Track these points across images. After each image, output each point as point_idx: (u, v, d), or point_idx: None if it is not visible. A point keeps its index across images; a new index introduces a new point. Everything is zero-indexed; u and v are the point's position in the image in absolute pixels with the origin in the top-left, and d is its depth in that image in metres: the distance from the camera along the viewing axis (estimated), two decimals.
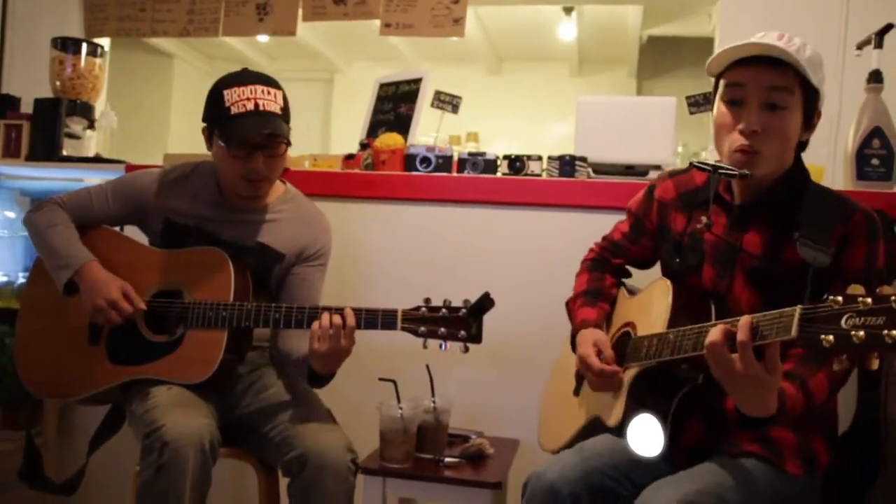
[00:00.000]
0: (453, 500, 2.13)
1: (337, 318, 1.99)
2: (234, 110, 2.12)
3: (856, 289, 1.31)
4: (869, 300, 1.28)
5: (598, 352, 1.86)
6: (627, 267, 2.16)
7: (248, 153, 2.14)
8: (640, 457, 1.69)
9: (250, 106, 2.12)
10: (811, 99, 1.72)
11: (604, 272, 2.12)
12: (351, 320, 2.00)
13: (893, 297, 1.25)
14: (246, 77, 2.19)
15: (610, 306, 2.06)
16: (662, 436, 1.69)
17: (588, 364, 1.84)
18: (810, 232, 1.66)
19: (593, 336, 1.90)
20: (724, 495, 1.59)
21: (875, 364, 1.28)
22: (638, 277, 2.14)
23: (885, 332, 1.24)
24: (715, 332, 1.50)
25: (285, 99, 2.21)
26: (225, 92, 2.14)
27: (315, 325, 2.01)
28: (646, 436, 1.69)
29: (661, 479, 1.65)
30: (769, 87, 1.69)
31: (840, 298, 1.31)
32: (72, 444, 2.83)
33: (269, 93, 2.16)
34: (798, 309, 1.38)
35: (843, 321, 1.30)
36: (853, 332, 1.28)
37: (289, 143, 2.19)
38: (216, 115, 2.15)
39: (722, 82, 1.77)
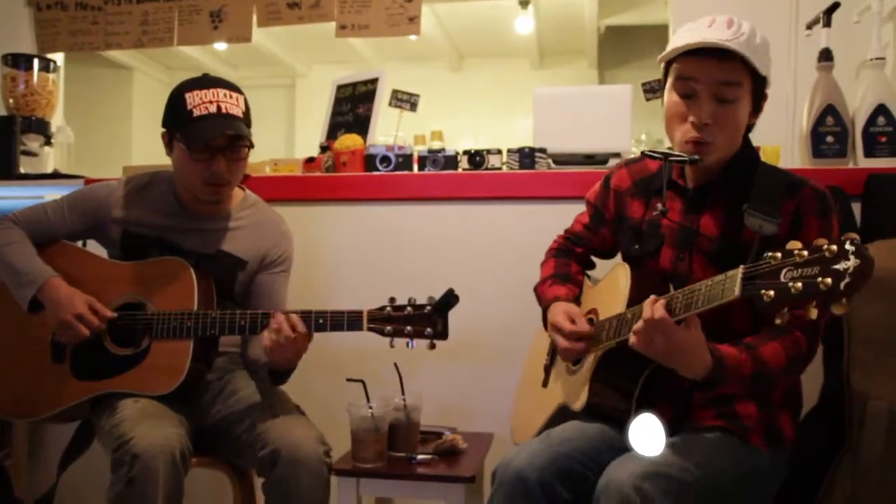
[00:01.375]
0: (428, 496, 2.13)
1: (286, 325, 1.99)
2: (196, 113, 2.11)
3: (794, 244, 1.35)
4: (805, 252, 1.32)
5: (571, 320, 1.88)
6: (592, 258, 2.18)
7: (211, 156, 2.13)
8: (642, 456, 1.70)
9: (213, 108, 2.11)
10: (759, 86, 1.75)
11: (569, 259, 2.14)
12: (300, 327, 1.99)
13: (825, 246, 1.29)
14: (207, 81, 2.18)
15: (578, 292, 2.07)
16: (663, 435, 1.70)
17: (559, 328, 1.87)
18: (757, 204, 1.69)
19: (563, 307, 1.93)
20: (688, 466, 1.61)
21: (813, 313, 1.32)
22: (601, 267, 2.16)
23: (820, 279, 1.28)
24: (637, 325, 1.60)
25: (247, 103, 2.21)
26: (187, 95, 2.13)
27: (265, 335, 2.01)
28: (647, 435, 1.70)
29: (625, 454, 1.66)
30: (719, 81, 1.71)
31: (779, 254, 1.36)
32: (43, 463, 2.79)
33: (230, 96, 2.16)
34: (741, 269, 1.43)
35: (782, 275, 1.34)
36: (791, 284, 1.32)
37: (251, 146, 2.18)
38: (178, 118, 2.14)
39: (672, 71, 1.78)
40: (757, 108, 1.79)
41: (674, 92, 1.78)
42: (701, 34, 1.71)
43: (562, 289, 2.03)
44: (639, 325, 1.59)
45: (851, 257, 1.27)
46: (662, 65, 1.83)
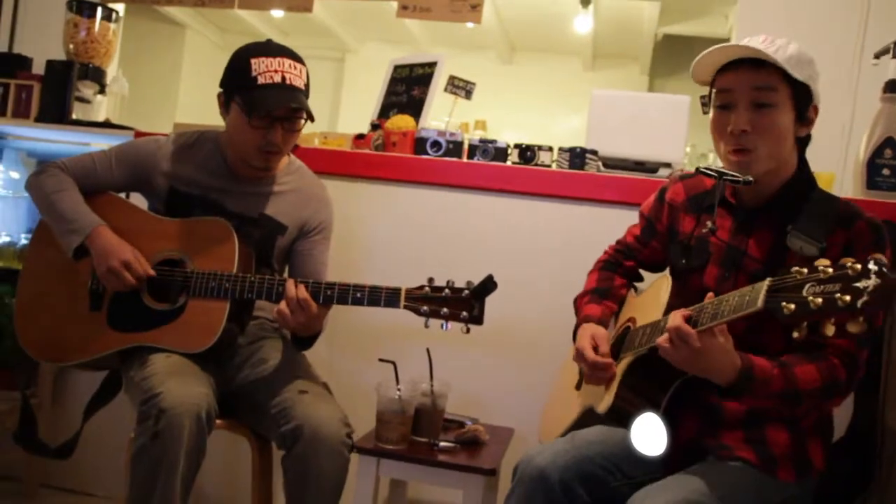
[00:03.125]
0: (447, 484, 2.14)
1: (300, 291, 2.00)
2: (260, 80, 2.11)
3: (822, 262, 1.35)
4: (830, 269, 1.32)
5: (595, 346, 1.87)
6: (640, 271, 2.17)
7: (269, 125, 2.13)
8: (643, 455, 1.69)
9: (277, 78, 2.12)
10: (801, 94, 1.75)
11: (614, 273, 2.13)
12: (302, 293, 2.00)
13: (850, 264, 1.29)
14: (273, 49, 2.18)
15: (618, 306, 2.07)
16: (666, 435, 1.69)
17: (583, 356, 1.87)
18: (803, 226, 1.69)
19: (591, 330, 1.92)
20: (713, 503, 1.58)
21: (830, 331, 1.32)
22: (649, 279, 2.14)
23: (839, 296, 1.29)
24: (661, 339, 1.61)
25: (308, 75, 2.21)
26: (252, 61, 2.13)
27: (277, 309, 2.03)
28: (649, 435, 1.69)
29: (649, 486, 1.64)
30: (753, 86, 1.73)
31: (805, 270, 1.37)
32: (66, 409, 2.83)
33: (295, 67, 2.17)
34: (767, 281, 1.43)
35: (804, 290, 1.35)
36: (811, 299, 1.32)
37: (311, 119, 2.19)
38: (240, 83, 2.14)
39: (713, 91, 1.81)
40: (802, 118, 1.77)
41: (714, 109, 1.81)
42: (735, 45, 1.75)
43: (597, 308, 2.02)
44: (663, 336, 1.60)
45: (873, 276, 1.27)
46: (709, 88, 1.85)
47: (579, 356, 1.89)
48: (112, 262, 2.10)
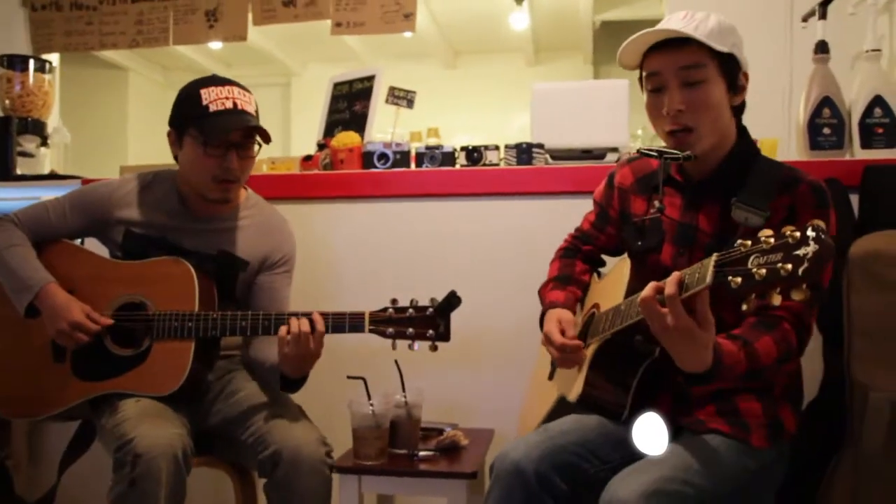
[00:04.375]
0: (429, 493, 2.14)
1: (305, 324, 2.00)
2: (212, 108, 2.12)
3: (765, 232, 1.35)
4: (772, 240, 1.33)
5: (562, 330, 1.88)
6: (602, 255, 2.19)
7: (225, 151, 2.13)
8: (646, 455, 1.70)
9: (229, 104, 2.13)
10: (728, 65, 1.76)
11: (574, 259, 2.15)
12: (320, 325, 2.01)
13: (789, 232, 1.30)
14: (220, 79, 2.20)
15: (582, 292, 2.09)
16: (667, 434, 1.70)
17: (550, 340, 1.87)
18: (746, 196, 1.70)
19: (557, 315, 1.93)
20: (690, 479, 1.60)
21: (777, 300, 1.32)
22: (612, 264, 2.16)
23: (780, 265, 1.29)
24: (647, 289, 1.54)
25: (257, 104, 2.23)
26: (202, 91, 2.14)
27: (283, 329, 2.02)
28: (651, 435, 1.70)
29: (627, 468, 1.65)
30: (681, 67, 1.74)
31: (749, 242, 1.37)
32: (43, 463, 2.79)
33: (244, 94, 2.18)
34: (714, 256, 1.43)
35: (749, 262, 1.35)
36: (755, 271, 1.33)
37: (268, 141, 2.20)
38: (192, 114, 2.14)
39: (643, 74, 1.83)
40: (734, 87, 1.79)
41: (646, 92, 1.82)
42: (655, 28, 1.76)
43: (561, 293, 2.03)
44: (648, 291, 1.54)
45: (812, 243, 1.28)
46: (638, 73, 1.86)
47: (547, 341, 1.90)
48: (60, 325, 2.09)
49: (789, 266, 1.28)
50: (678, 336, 1.51)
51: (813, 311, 1.72)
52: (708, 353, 1.55)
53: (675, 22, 1.74)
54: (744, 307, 1.36)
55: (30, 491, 2.55)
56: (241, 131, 2.15)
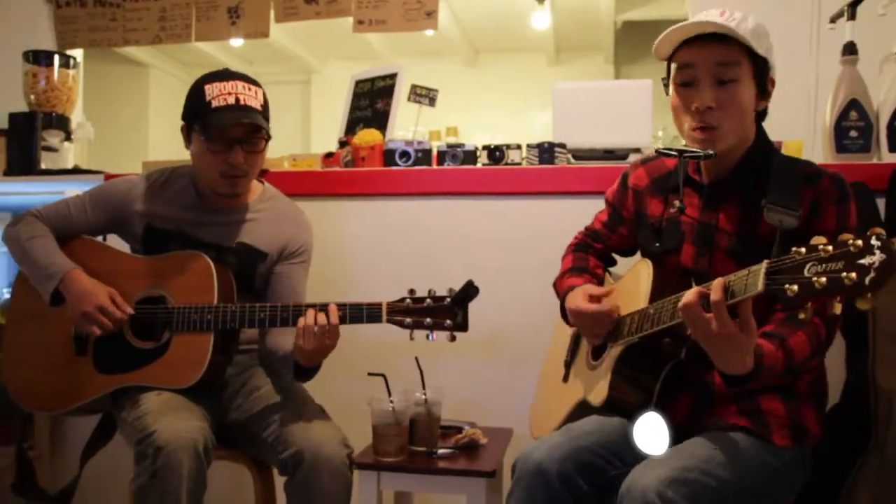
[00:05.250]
0: (448, 490, 2.14)
1: (322, 317, 2.00)
2: (214, 104, 2.12)
3: (818, 239, 1.33)
4: (830, 247, 1.30)
5: (590, 299, 1.87)
6: (613, 255, 2.18)
7: (228, 147, 2.14)
8: (647, 455, 1.69)
9: (231, 100, 2.13)
10: (760, 68, 1.75)
11: (587, 254, 2.14)
12: (334, 318, 2.01)
13: (850, 241, 1.28)
14: (227, 74, 2.20)
15: (598, 283, 2.07)
16: (668, 434, 1.69)
17: (581, 311, 1.86)
18: (776, 197, 1.69)
19: (581, 290, 1.93)
20: (711, 470, 1.59)
21: (837, 308, 1.30)
22: (623, 265, 2.15)
23: (844, 274, 1.27)
24: (689, 294, 1.52)
25: (265, 97, 2.22)
26: (206, 87, 2.15)
27: (301, 321, 2.02)
28: (652, 434, 1.70)
29: (648, 459, 1.65)
30: (717, 62, 1.73)
31: (803, 249, 1.34)
32: (65, 455, 2.81)
33: (249, 89, 2.17)
34: (764, 264, 1.41)
35: (805, 270, 1.33)
36: (815, 279, 1.30)
37: (269, 138, 2.19)
38: (196, 110, 2.15)
39: (673, 66, 1.81)
40: (763, 92, 1.78)
41: (675, 86, 1.80)
42: (696, 20, 1.74)
43: (579, 279, 2.02)
44: (691, 296, 1.52)
45: (877, 252, 1.25)
46: (665, 64, 1.84)
47: (578, 315, 1.89)
48: (86, 307, 2.10)
49: (854, 275, 1.26)
50: (722, 341, 1.51)
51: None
52: (750, 358, 1.54)
53: (713, 17, 1.72)
54: (801, 316, 1.34)
55: (52, 482, 2.56)
56: (245, 127, 2.15)
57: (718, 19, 1.71)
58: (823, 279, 1.29)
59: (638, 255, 2.06)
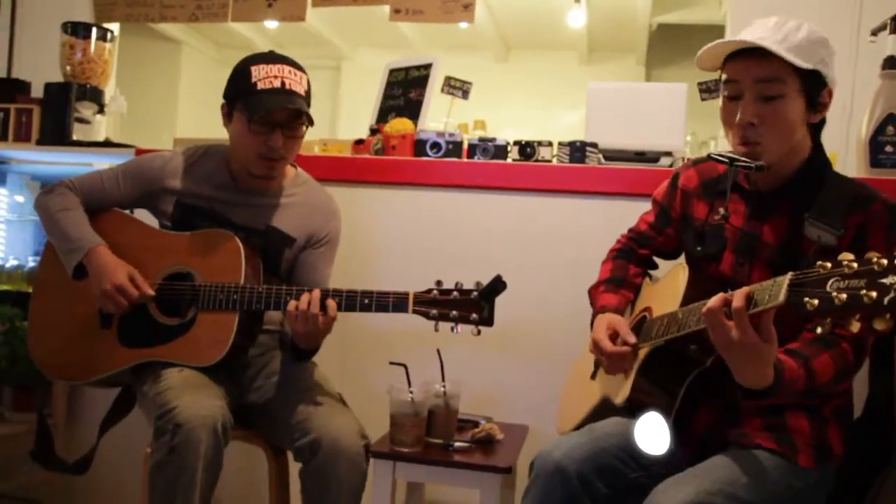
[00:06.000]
0: (463, 484, 2.14)
1: (304, 302, 2.01)
2: (260, 86, 2.13)
3: (846, 255, 1.32)
4: (855, 264, 1.29)
5: (613, 335, 1.86)
6: (655, 258, 2.16)
7: (269, 130, 2.14)
8: (647, 454, 1.69)
9: (277, 83, 2.13)
10: (811, 81, 1.71)
11: (629, 262, 2.12)
12: (315, 307, 2.01)
13: (875, 259, 1.26)
14: (274, 57, 2.21)
15: (634, 295, 2.06)
16: (669, 435, 1.69)
17: (600, 347, 1.85)
18: (819, 213, 1.67)
19: (608, 320, 1.90)
20: (734, 492, 1.57)
21: (855, 327, 1.28)
22: (665, 268, 2.14)
23: (864, 292, 1.25)
24: (713, 299, 1.51)
25: (309, 83, 2.23)
26: (253, 68, 2.15)
27: (292, 305, 2.03)
28: (652, 434, 1.69)
29: (671, 478, 1.63)
30: (758, 79, 1.69)
31: (829, 264, 1.33)
32: (81, 426, 2.84)
33: (295, 74, 2.18)
34: (788, 275, 1.40)
35: (828, 285, 1.31)
36: (835, 295, 1.29)
37: (311, 124, 2.20)
38: (241, 89, 2.16)
39: (723, 76, 1.78)
40: (814, 105, 1.74)
41: (724, 97, 1.78)
42: (739, 35, 1.71)
43: (613, 297, 2.00)
44: (715, 301, 1.51)
45: None
46: (718, 72, 1.82)
47: (597, 348, 1.87)
48: (105, 285, 2.11)
49: (874, 294, 1.24)
50: (741, 350, 1.49)
51: (870, 332, 1.68)
52: (770, 371, 1.52)
53: (763, 29, 1.69)
54: (819, 330, 1.32)
55: (68, 451, 2.59)
56: (289, 111, 2.15)
57: (765, 31, 1.68)
58: (844, 296, 1.28)
59: (680, 258, 2.05)
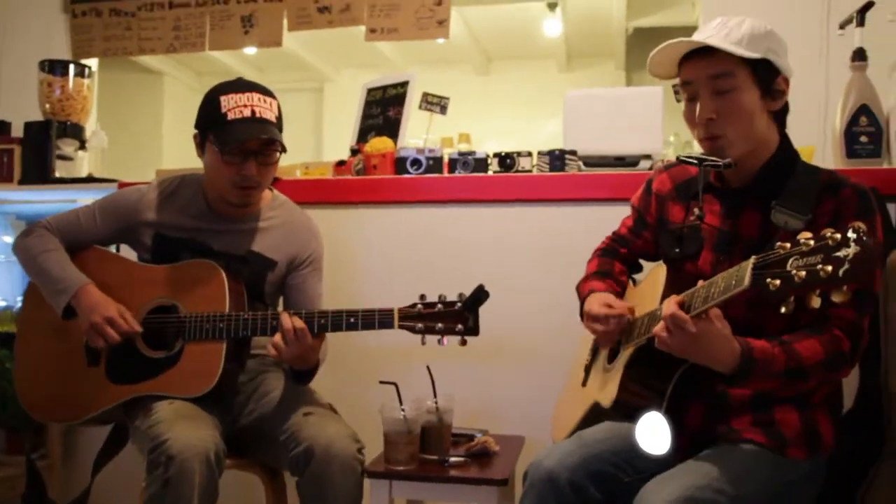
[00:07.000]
0: (460, 499, 2.13)
1: (288, 322, 2.02)
2: (230, 116, 2.13)
3: (804, 235, 1.35)
4: (812, 242, 1.33)
5: (607, 306, 1.88)
6: (639, 261, 2.18)
7: (243, 159, 2.14)
8: (647, 455, 1.69)
9: (247, 112, 2.14)
10: (762, 70, 1.74)
11: (614, 259, 2.14)
12: (298, 323, 2.02)
13: (829, 234, 1.30)
14: (242, 85, 2.20)
15: (620, 289, 2.07)
16: (669, 434, 1.69)
17: (594, 314, 1.87)
18: (786, 200, 1.70)
19: (598, 296, 1.93)
20: (723, 487, 1.59)
21: (816, 303, 1.33)
22: (647, 269, 2.15)
23: (820, 267, 1.29)
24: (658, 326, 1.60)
25: (279, 108, 2.23)
26: (222, 98, 2.15)
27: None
28: (653, 434, 1.70)
29: (661, 475, 1.64)
30: (709, 76, 1.74)
31: (788, 244, 1.37)
32: (77, 465, 2.83)
33: (264, 101, 2.18)
34: (752, 259, 1.43)
35: (788, 264, 1.35)
36: (795, 273, 1.33)
37: (283, 150, 2.20)
38: (212, 120, 2.16)
39: (678, 82, 1.84)
40: (770, 93, 1.77)
41: (685, 100, 1.83)
42: (685, 39, 1.76)
43: (601, 284, 2.02)
44: (659, 324, 1.60)
45: (852, 244, 1.28)
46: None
47: (591, 318, 1.89)
48: (94, 318, 2.11)
49: (829, 268, 1.28)
50: (693, 343, 1.57)
51: (864, 317, 1.70)
52: (728, 342, 1.58)
53: (708, 30, 1.75)
54: (783, 310, 1.36)
55: (63, 493, 2.58)
56: (261, 140, 2.15)
57: (709, 31, 1.73)
58: (803, 273, 1.32)
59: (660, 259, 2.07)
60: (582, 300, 2.02)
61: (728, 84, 1.73)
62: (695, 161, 1.78)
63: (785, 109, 1.83)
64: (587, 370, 2.08)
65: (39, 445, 2.76)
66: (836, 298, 1.30)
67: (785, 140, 1.83)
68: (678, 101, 2.71)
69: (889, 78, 2.51)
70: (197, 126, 2.23)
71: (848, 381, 1.89)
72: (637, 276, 2.17)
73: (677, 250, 1.89)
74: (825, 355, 1.64)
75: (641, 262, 2.19)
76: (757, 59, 1.72)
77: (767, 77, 1.76)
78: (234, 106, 2.14)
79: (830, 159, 2.55)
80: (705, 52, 1.73)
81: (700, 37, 1.74)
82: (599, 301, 1.90)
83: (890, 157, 2.44)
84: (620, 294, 2.06)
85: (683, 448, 1.75)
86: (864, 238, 1.28)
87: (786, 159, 1.81)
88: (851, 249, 1.28)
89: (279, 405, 2.17)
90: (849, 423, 1.99)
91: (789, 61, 1.79)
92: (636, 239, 2.12)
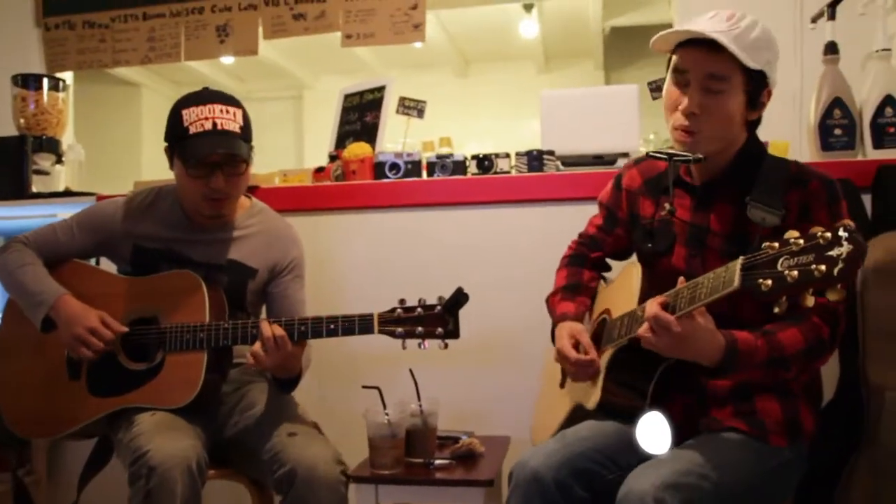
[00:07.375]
0: (447, 501, 2.13)
1: (268, 331, 2.01)
2: (192, 130, 2.12)
3: (791, 233, 1.36)
4: (801, 241, 1.34)
5: (576, 343, 1.88)
6: (607, 260, 2.18)
7: (208, 172, 2.13)
8: (649, 454, 1.70)
9: (208, 125, 2.12)
10: (755, 81, 1.74)
11: (582, 267, 2.14)
12: (267, 332, 2.00)
13: (820, 234, 1.31)
14: (205, 96, 2.18)
15: (590, 300, 2.08)
16: (670, 434, 1.70)
17: (565, 356, 1.87)
18: (760, 195, 1.71)
19: (569, 328, 1.93)
20: (707, 473, 1.60)
21: (810, 301, 1.34)
22: (617, 268, 2.15)
23: (814, 266, 1.30)
24: (643, 327, 1.60)
25: (245, 117, 2.20)
26: (184, 112, 2.14)
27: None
28: (654, 434, 1.70)
29: (644, 463, 1.66)
30: (707, 73, 1.73)
31: (776, 244, 1.38)
32: (63, 481, 2.80)
33: (227, 111, 2.16)
34: (740, 260, 1.44)
35: (779, 264, 1.36)
36: (787, 273, 1.34)
37: (248, 162, 2.19)
38: (176, 134, 2.15)
39: (672, 61, 1.81)
40: (754, 104, 1.78)
41: (671, 81, 1.81)
42: (697, 25, 1.74)
43: (571, 305, 2.02)
44: (643, 326, 1.61)
45: (845, 243, 1.29)
46: (668, 56, 1.85)
47: (562, 357, 1.89)
48: (76, 329, 2.10)
49: (823, 267, 1.29)
50: (680, 343, 1.57)
51: (840, 303, 1.71)
52: (713, 336, 1.59)
53: (718, 23, 1.72)
54: (776, 310, 1.36)
55: None
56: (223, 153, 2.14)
57: (722, 24, 1.70)
58: (795, 272, 1.33)
59: (631, 257, 2.07)
60: (553, 323, 2.03)
61: (721, 86, 1.73)
62: (665, 156, 1.79)
63: (758, 120, 1.83)
64: (563, 371, 2.09)
65: (25, 461, 2.74)
66: (832, 297, 1.30)
67: (752, 136, 1.84)
68: (654, 98, 2.75)
69: (861, 70, 2.53)
70: (165, 139, 2.22)
71: (827, 374, 1.91)
72: (608, 275, 2.17)
73: (649, 245, 1.89)
74: (805, 343, 1.66)
75: (611, 261, 2.19)
76: (754, 70, 1.71)
77: (757, 88, 1.76)
78: (196, 119, 2.12)
79: (806, 153, 2.57)
80: (709, 45, 1.70)
81: (709, 28, 1.70)
82: (569, 337, 1.90)
83: (864, 148, 2.46)
84: (590, 304, 2.07)
85: (673, 439, 1.75)
86: (856, 236, 1.29)
87: (754, 153, 1.82)
88: (845, 248, 1.28)
89: (264, 421, 2.16)
90: (829, 414, 2.00)
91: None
92: (607, 237, 2.12)
